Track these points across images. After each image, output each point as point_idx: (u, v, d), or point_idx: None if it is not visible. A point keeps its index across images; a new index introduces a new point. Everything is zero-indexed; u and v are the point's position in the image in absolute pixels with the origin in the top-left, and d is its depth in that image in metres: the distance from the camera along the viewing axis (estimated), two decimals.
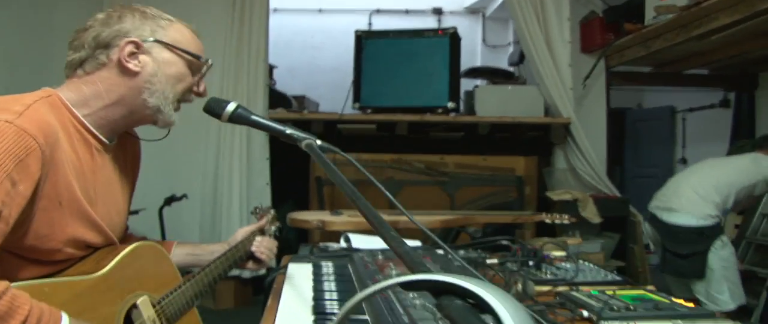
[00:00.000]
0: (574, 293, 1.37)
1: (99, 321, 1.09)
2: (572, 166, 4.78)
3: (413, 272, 0.69)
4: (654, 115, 7.15)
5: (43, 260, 1.10)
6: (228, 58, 4.37)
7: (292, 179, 4.68)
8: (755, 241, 4.49)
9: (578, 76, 4.79)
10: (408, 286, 0.56)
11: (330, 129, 4.60)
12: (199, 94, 1.32)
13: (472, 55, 7.35)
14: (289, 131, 1.22)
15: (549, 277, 1.58)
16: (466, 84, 5.19)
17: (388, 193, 1.18)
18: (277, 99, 4.88)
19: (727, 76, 5.58)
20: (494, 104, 4.69)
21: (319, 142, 1.23)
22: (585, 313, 1.24)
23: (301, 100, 5.33)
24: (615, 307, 1.23)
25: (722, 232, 3.08)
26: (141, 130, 1.42)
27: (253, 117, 1.24)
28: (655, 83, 5.84)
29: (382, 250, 1.69)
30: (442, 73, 4.55)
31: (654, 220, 3.23)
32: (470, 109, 4.82)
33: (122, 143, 1.34)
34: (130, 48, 1.19)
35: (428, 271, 0.65)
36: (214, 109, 1.23)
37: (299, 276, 1.47)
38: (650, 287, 1.52)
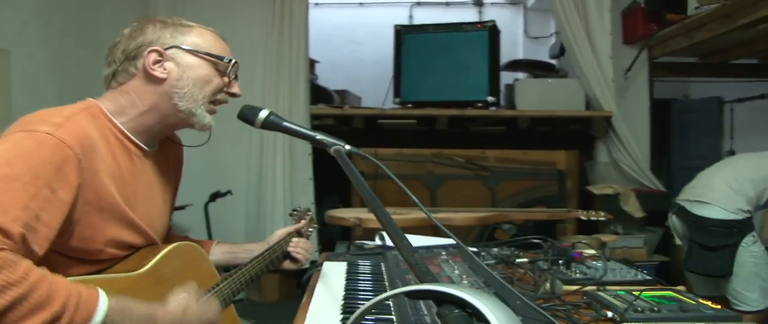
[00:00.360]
0: (601, 293, 1.40)
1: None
2: (614, 159, 4.73)
3: (421, 282, 0.74)
4: (701, 106, 6.98)
5: (88, 260, 1.19)
6: (269, 55, 4.46)
7: (335, 174, 4.76)
8: None
9: (620, 68, 4.73)
10: (409, 295, 0.61)
11: (371, 124, 4.67)
12: (233, 95, 1.38)
13: (514, 47, 7.29)
14: (319, 137, 1.28)
15: (578, 276, 1.60)
16: (507, 77, 5.19)
17: (411, 195, 1.21)
18: (319, 94, 4.95)
19: None
20: (534, 98, 4.68)
21: (348, 146, 1.28)
22: (609, 314, 1.26)
23: (343, 94, 5.39)
24: (639, 308, 1.26)
25: (753, 228, 2.98)
26: (185, 137, 1.49)
27: (285, 123, 1.30)
28: (701, 74, 5.70)
29: (434, 249, 1.74)
30: (482, 66, 4.56)
31: (682, 212, 3.13)
32: (511, 103, 4.82)
33: (164, 149, 1.43)
34: (153, 56, 1.26)
35: (434, 281, 0.70)
36: (248, 116, 1.30)
37: (333, 274, 1.54)
38: (680, 288, 1.53)
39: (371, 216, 2.46)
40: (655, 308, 1.26)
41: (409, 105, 4.70)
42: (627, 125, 4.68)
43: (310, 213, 1.88)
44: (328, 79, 6.05)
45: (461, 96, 4.60)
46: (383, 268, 1.59)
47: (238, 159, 4.57)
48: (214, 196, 3.88)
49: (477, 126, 4.79)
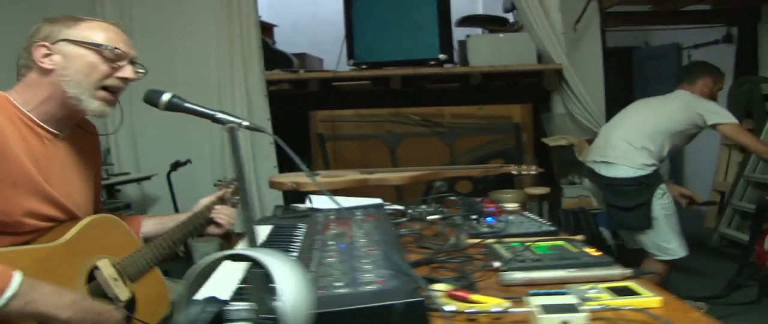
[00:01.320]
0: (497, 245, 1.52)
1: (61, 280, 1.28)
2: (569, 111, 4.85)
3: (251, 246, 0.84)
4: (660, 52, 7.11)
5: (10, 232, 1.32)
6: (220, 24, 4.48)
7: (297, 138, 4.84)
8: (753, 180, 4.57)
9: (570, 20, 4.81)
10: (226, 258, 0.72)
11: (326, 86, 4.72)
12: (124, 80, 1.47)
13: (473, 2, 7.31)
14: (219, 116, 1.36)
15: (485, 230, 1.72)
16: (463, 34, 5.24)
17: (304, 167, 1.30)
18: (276, 58, 4.97)
19: (728, 10, 5.52)
20: (487, 53, 4.74)
21: (246, 123, 1.36)
22: (496, 264, 1.37)
23: (302, 57, 5.41)
24: (523, 258, 1.37)
25: (662, 180, 3.04)
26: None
27: (187, 104, 1.40)
28: (654, 22, 5.80)
29: (337, 211, 1.84)
30: (432, 24, 4.60)
31: (592, 175, 3.19)
32: (465, 60, 4.89)
33: (77, 136, 1.55)
34: (42, 50, 1.40)
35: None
36: (152, 99, 1.39)
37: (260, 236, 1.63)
38: (579, 237, 1.65)
39: (308, 180, 2.57)
40: (539, 258, 1.37)
41: (364, 66, 4.75)
42: (581, 76, 4.78)
43: (236, 184, 1.97)
44: (290, 42, 6.06)
45: (414, 55, 4.65)
46: (304, 230, 1.66)
47: (200, 128, 4.61)
48: (175, 166, 3.95)
49: (431, 83, 4.87)
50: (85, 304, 1.25)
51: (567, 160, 4.67)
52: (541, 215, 2.85)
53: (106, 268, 1.41)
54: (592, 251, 1.43)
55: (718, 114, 3.10)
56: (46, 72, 1.40)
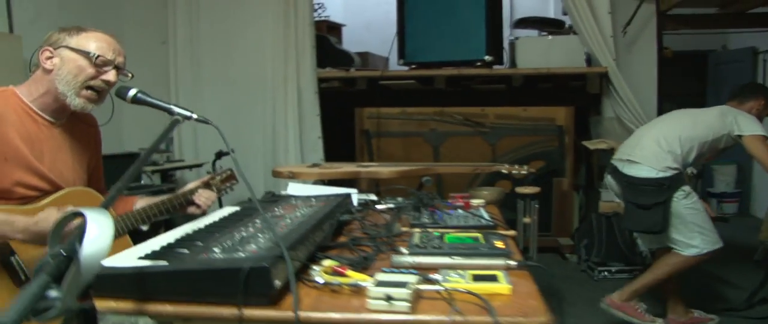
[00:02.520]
0: (417, 232, 1.66)
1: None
2: (617, 115, 4.79)
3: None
4: (735, 57, 6.81)
5: (2, 197, 1.63)
6: (277, 24, 4.78)
7: (345, 133, 5.09)
8: None
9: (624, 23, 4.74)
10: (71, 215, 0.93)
11: (374, 85, 4.92)
12: (106, 82, 1.74)
13: (545, 3, 7.26)
14: (173, 109, 1.59)
15: (426, 220, 1.86)
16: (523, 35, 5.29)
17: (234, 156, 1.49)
18: (339, 57, 5.21)
19: None
20: (534, 55, 4.78)
21: (195, 116, 1.58)
22: (403, 249, 1.51)
23: (365, 56, 5.64)
24: (426, 246, 1.51)
25: (683, 183, 3.04)
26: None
27: (149, 99, 1.63)
28: (720, 26, 5.56)
29: (312, 197, 2.03)
30: (480, 26, 4.69)
31: (615, 172, 3.22)
32: (514, 62, 4.94)
33: (74, 125, 1.86)
34: (46, 53, 1.71)
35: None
36: (121, 93, 1.64)
37: (215, 215, 1.85)
38: (510, 233, 1.76)
39: (304, 169, 2.77)
40: (438, 246, 1.51)
41: (414, 65, 4.91)
42: (633, 80, 4.72)
43: (229, 172, 2.22)
44: (362, 41, 6.27)
45: (460, 56, 4.76)
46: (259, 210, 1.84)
47: (255, 119, 4.94)
48: (219, 155, 4.26)
49: (478, 84, 4.95)
50: (35, 230, 1.52)
51: (606, 163, 4.64)
52: (526, 213, 2.93)
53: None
54: (500, 244, 1.53)
55: (747, 126, 3.08)
56: (47, 71, 1.72)
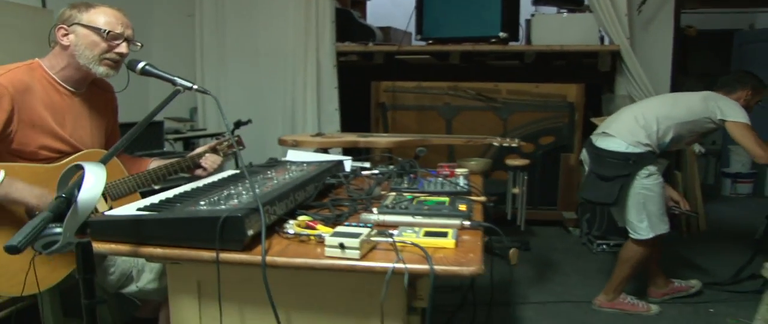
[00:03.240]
0: (392, 195, 1.85)
1: (51, 190, 1.76)
2: (629, 93, 4.86)
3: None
4: (762, 36, 6.74)
5: (28, 158, 1.87)
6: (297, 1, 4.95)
7: (362, 105, 5.27)
8: None
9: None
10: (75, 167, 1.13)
11: (391, 59, 5.08)
12: (120, 54, 1.96)
13: None
14: (176, 80, 1.77)
15: (405, 186, 2.04)
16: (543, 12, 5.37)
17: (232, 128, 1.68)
18: (361, 31, 5.37)
19: None
20: (549, 33, 4.88)
21: (195, 87, 1.77)
22: (374, 210, 1.69)
23: (387, 31, 5.79)
24: (395, 207, 1.69)
25: (651, 163, 3.06)
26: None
27: (156, 71, 1.82)
28: (736, 5, 5.54)
29: (306, 163, 2.22)
30: (496, 3, 4.80)
31: (589, 144, 3.27)
32: (530, 38, 5.05)
33: (93, 92, 2.09)
34: (62, 31, 1.93)
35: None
36: (132, 66, 1.84)
37: (215, 177, 2.06)
38: (480, 199, 1.93)
39: (307, 138, 2.97)
40: (406, 206, 1.69)
41: (431, 41, 5.05)
42: (647, 58, 4.78)
43: (236, 138, 2.43)
44: (388, 16, 6.38)
45: (476, 32, 4.88)
46: (254, 173, 2.04)
47: (274, 92, 5.15)
48: (238, 125, 4.47)
49: (493, 60, 5.07)
50: (51, 198, 1.71)
51: None
52: (515, 184, 3.08)
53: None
54: (463, 207, 1.71)
55: (731, 112, 3.08)
56: (65, 47, 1.94)
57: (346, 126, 4.98)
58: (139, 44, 2.04)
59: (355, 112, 5.18)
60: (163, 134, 4.33)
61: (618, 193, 3.05)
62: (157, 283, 2.03)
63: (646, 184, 3.06)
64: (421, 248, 1.32)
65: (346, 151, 3.53)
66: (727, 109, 3.09)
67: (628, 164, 3.04)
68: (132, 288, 2.06)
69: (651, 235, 3.08)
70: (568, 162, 4.89)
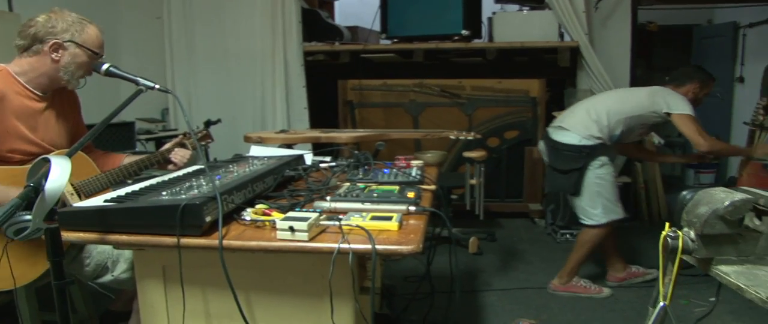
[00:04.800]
0: (347, 184, 1.97)
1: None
2: (590, 88, 5.03)
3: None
4: (718, 31, 6.98)
5: (5, 159, 1.96)
6: (264, 3, 5.04)
7: (330, 104, 5.39)
8: None
9: None
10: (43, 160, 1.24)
11: (356, 58, 5.20)
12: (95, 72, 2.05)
13: None
14: (139, 80, 1.88)
15: (360, 176, 2.16)
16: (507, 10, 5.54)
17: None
18: (329, 31, 5.47)
19: None
20: (511, 29, 5.03)
21: (158, 86, 1.87)
22: (327, 198, 1.81)
23: (354, 30, 5.90)
24: (347, 195, 1.81)
25: (603, 154, 3.25)
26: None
27: (119, 72, 1.93)
28: (691, 1, 5.74)
29: (268, 157, 2.33)
30: (458, 2, 4.94)
31: (546, 137, 3.44)
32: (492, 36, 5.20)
33: (59, 94, 2.18)
34: (54, 46, 2.00)
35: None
36: (96, 67, 1.94)
37: (181, 172, 2.17)
38: (430, 188, 2.06)
39: (271, 135, 3.10)
40: (357, 194, 1.82)
41: (396, 39, 5.18)
42: (607, 54, 4.96)
43: (204, 132, 2.55)
44: (356, 15, 6.48)
45: (440, 30, 5.02)
46: (217, 167, 2.15)
47: (245, 92, 5.24)
48: (208, 124, 4.55)
49: (456, 58, 5.22)
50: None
51: None
52: (473, 176, 3.23)
53: (65, 186, 2.00)
54: (411, 195, 1.83)
55: (676, 105, 3.25)
56: (54, 61, 2.02)
57: (316, 124, 5.08)
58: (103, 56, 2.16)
59: (325, 111, 5.29)
60: (135, 135, 4.41)
61: (576, 183, 3.24)
62: (130, 273, 2.13)
63: (599, 173, 3.25)
64: (365, 230, 1.45)
65: (317, 148, 3.65)
66: (672, 103, 3.27)
67: (581, 156, 3.22)
68: (107, 277, 2.17)
69: (604, 221, 3.25)
70: (533, 155, 5.06)
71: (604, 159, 3.26)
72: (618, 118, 3.28)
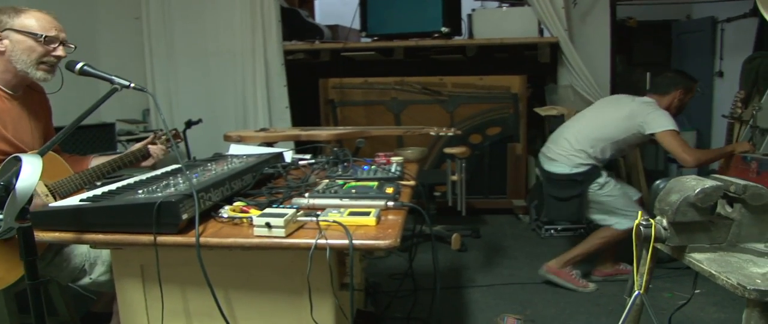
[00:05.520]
0: (326, 181, 1.97)
1: None
2: (571, 83, 5.07)
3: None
4: (697, 26, 7.05)
5: None
6: (244, 3, 5.02)
7: (311, 103, 5.38)
8: None
9: None
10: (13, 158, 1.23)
11: (337, 56, 5.20)
12: (57, 57, 2.03)
13: None
14: (114, 79, 1.86)
15: (340, 173, 2.16)
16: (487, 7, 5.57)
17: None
18: (309, 30, 5.46)
19: None
20: (491, 26, 5.07)
21: (133, 85, 1.85)
22: (306, 194, 1.81)
23: (334, 29, 5.90)
24: (325, 191, 1.81)
25: (598, 176, 3.29)
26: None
27: (94, 71, 1.90)
28: None
29: (247, 155, 2.33)
30: None
31: (539, 165, 3.51)
32: (472, 33, 5.22)
33: (29, 94, 2.16)
34: None
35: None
36: (70, 67, 1.91)
37: (158, 171, 2.15)
38: (409, 183, 2.06)
39: (251, 133, 3.09)
40: (335, 191, 1.81)
41: (376, 37, 5.19)
42: (587, 50, 5.01)
43: (173, 132, 2.54)
44: (337, 13, 6.48)
45: (419, 27, 5.04)
46: (196, 166, 2.13)
47: (226, 92, 5.21)
48: (189, 124, 4.54)
49: (437, 55, 5.23)
50: None
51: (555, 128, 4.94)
52: (454, 172, 3.25)
53: (39, 187, 1.98)
54: (390, 190, 1.83)
55: (656, 123, 3.23)
56: (0, 53, 1.99)
57: (298, 123, 5.07)
58: (72, 46, 2.11)
59: (306, 110, 5.29)
60: (115, 136, 4.38)
61: (578, 210, 3.29)
62: (108, 276, 2.11)
63: (604, 193, 3.31)
64: (343, 225, 1.45)
65: (299, 146, 3.64)
66: (652, 123, 3.24)
67: (576, 184, 3.28)
68: (85, 280, 2.15)
69: (631, 225, 3.25)
70: (515, 151, 5.09)
71: (601, 180, 3.31)
72: (603, 146, 3.31)
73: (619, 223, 3.33)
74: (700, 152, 3.39)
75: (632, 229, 3.26)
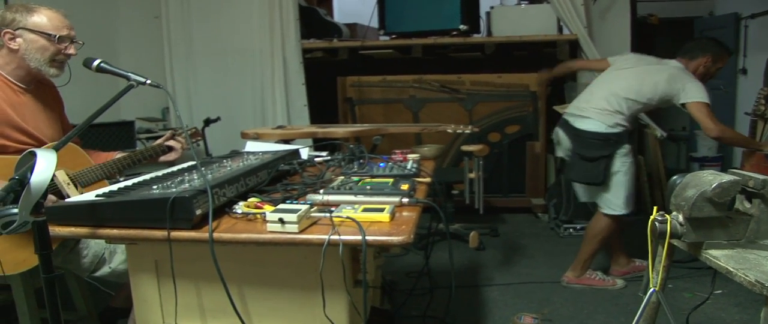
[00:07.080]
0: (341, 178, 1.97)
1: None
2: (590, 81, 5.00)
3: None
4: (720, 23, 6.93)
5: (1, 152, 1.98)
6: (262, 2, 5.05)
7: (329, 101, 5.39)
8: None
9: None
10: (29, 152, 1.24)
11: (356, 54, 5.20)
12: (68, 55, 2.10)
13: None
14: (130, 75, 1.87)
15: (355, 169, 2.15)
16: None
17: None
18: (327, 28, 5.46)
19: None
20: (509, 23, 5.03)
21: (149, 82, 1.86)
22: (321, 190, 1.80)
23: (352, 27, 5.89)
24: (340, 188, 1.81)
25: (628, 141, 3.22)
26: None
27: (110, 68, 1.92)
28: None
29: (263, 152, 2.33)
30: None
31: (566, 125, 3.39)
32: (490, 30, 5.19)
33: (41, 88, 2.21)
34: (8, 36, 2.04)
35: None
36: (87, 64, 1.93)
37: (175, 168, 2.16)
38: (425, 180, 2.05)
39: (268, 131, 3.10)
40: (349, 187, 1.81)
41: (394, 35, 5.18)
42: (606, 47, 4.93)
43: (193, 130, 2.56)
44: (357, 13, 6.47)
45: (437, 25, 5.02)
46: (212, 162, 2.15)
47: (244, 90, 5.24)
48: (207, 122, 4.57)
49: (455, 52, 5.21)
50: None
51: None
52: (471, 170, 3.22)
53: (61, 176, 2.01)
54: (405, 187, 1.82)
55: (692, 93, 3.15)
56: (14, 51, 2.05)
57: (316, 121, 5.08)
58: (81, 43, 2.16)
59: (325, 108, 5.29)
60: (135, 134, 4.42)
61: (603, 172, 3.20)
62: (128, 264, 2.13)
63: (624, 160, 3.22)
64: (356, 221, 1.44)
65: (317, 144, 3.64)
66: (689, 92, 3.17)
67: (609, 143, 3.19)
68: (105, 270, 2.17)
69: (625, 211, 3.25)
70: (534, 150, 5.05)
71: (628, 147, 3.24)
72: (637, 108, 3.26)
73: (617, 207, 3.26)
74: (726, 128, 3.30)
75: (621, 216, 3.32)
